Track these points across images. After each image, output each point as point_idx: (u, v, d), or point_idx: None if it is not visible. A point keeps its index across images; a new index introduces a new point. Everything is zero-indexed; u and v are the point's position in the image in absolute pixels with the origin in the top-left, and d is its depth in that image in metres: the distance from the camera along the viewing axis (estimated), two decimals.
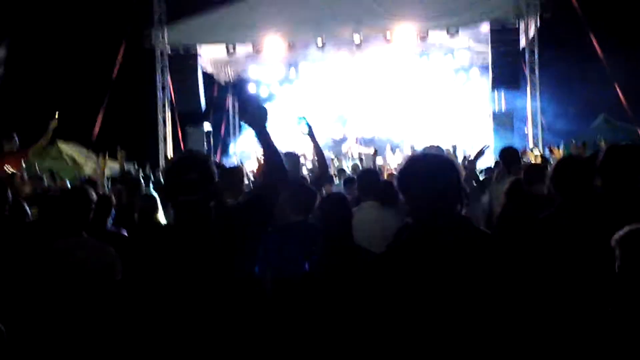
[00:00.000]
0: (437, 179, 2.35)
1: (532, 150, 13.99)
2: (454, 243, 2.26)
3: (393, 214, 4.81)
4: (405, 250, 2.35)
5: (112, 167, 8.56)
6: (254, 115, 2.84)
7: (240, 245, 2.61)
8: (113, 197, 5.03)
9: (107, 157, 8.10)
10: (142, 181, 6.80)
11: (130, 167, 13.98)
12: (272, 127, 2.88)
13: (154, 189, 6.56)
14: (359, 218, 4.59)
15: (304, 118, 5.01)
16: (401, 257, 2.33)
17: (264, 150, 2.83)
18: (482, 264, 2.24)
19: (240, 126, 22.57)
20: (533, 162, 9.60)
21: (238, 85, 22.90)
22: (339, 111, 21.35)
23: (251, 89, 21.66)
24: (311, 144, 5.34)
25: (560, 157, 4.08)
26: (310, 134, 5.22)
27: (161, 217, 5.35)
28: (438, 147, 7.23)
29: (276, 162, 2.82)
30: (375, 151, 10.90)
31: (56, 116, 6.81)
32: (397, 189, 2.44)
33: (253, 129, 2.83)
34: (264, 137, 2.82)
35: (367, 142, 19.78)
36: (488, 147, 8.22)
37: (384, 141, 19.49)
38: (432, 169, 2.38)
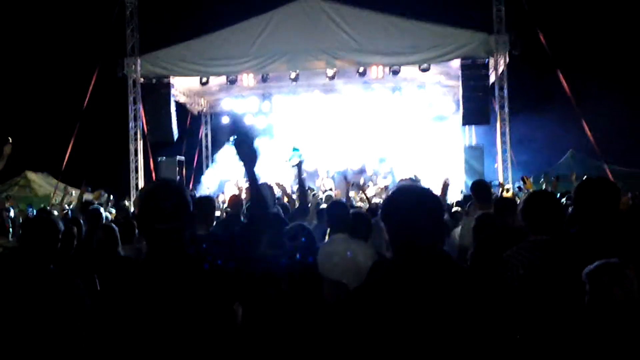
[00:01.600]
0: (424, 212, 2.28)
1: (501, 185, 14.12)
2: (436, 280, 2.19)
3: (363, 247, 4.74)
4: (384, 285, 2.26)
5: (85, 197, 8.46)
6: (248, 154, 2.88)
7: (215, 278, 2.55)
8: (75, 229, 4.92)
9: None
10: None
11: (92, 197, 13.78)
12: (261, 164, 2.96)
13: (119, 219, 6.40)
14: (330, 250, 4.57)
15: (298, 150, 5.02)
16: (381, 293, 2.24)
17: (251, 187, 2.94)
18: (463, 303, 2.17)
19: (213, 159, 22.49)
20: (504, 195, 9.73)
21: (212, 116, 22.91)
22: (313, 144, 21.32)
23: (225, 120, 21.74)
24: (296, 175, 5.33)
25: (532, 191, 4.13)
26: (299, 167, 5.26)
27: (120, 250, 5.20)
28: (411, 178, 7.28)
29: (258, 200, 2.94)
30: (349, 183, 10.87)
31: (10, 141, 6.58)
32: (381, 220, 2.36)
33: (244, 166, 2.89)
34: (252, 176, 2.89)
35: (340, 175, 19.79)
36: (448, 181, 8.36)
37: (357, 173, 19.54)
38: (420, 202, 2.31)
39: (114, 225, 5.29)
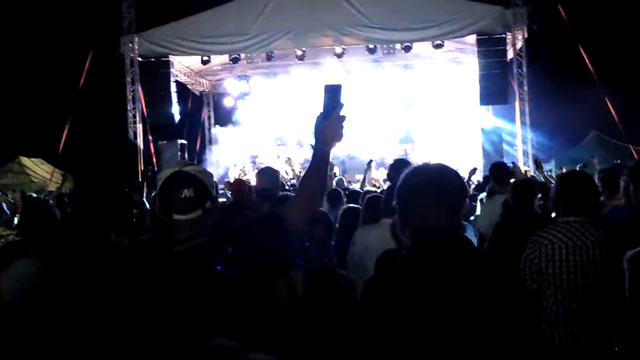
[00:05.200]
0: (447, 193, 2.06)
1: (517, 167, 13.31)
2: (453, 269, 1.99)
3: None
4: (399, 275, 2.05)
5: None
6: (332, 135, 2.40)
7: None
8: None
9: None
10: None
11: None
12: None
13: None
14: (378, 235, 4.39)
15: None
16: (395, 284, 2.03)
17: (314, 171, 2.42)
18: (486, 294, 1.97)
19: (216, 142, 21.70)
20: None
21: (214, 97, 22.31)
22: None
23: (229, 102, 21.10)
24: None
25: (566, 172, 4.04)
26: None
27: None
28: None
29: (320, 192, 2.48)
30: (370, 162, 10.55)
31: None
32: (396, 202, 2.13)
33: (320, 145, 2.41)
34: (325, 158, 2.42)
35: (350, 159, 19.00)
36: (476, 169, 8.18)
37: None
38: (442, 182, 2.07)
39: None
